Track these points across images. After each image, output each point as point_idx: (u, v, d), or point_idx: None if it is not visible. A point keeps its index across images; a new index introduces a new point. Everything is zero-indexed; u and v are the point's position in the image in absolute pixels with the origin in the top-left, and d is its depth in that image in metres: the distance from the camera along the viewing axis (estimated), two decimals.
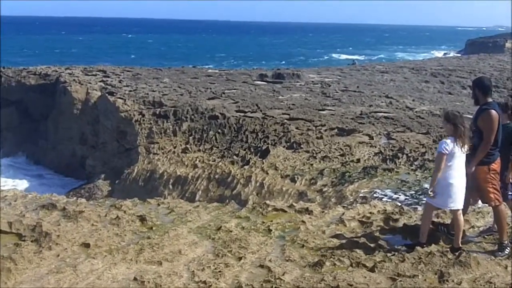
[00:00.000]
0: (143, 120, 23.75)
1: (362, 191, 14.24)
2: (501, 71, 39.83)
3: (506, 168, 7.40)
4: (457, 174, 6.79)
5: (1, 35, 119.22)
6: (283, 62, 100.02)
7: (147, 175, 20.89)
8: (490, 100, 7.12)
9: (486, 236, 7.67)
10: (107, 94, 27.61)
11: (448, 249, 6.92)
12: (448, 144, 6.73)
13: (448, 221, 7.80)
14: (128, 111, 25.01)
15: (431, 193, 6.82)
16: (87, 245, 7.17)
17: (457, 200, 6.84)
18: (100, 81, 31.58)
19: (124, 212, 8.90)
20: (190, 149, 20.86)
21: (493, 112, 6.93)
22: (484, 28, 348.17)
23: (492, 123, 6.93)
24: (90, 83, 30.76)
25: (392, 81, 36.77)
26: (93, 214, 8.53)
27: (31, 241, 7.17)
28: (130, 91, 28.47)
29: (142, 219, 8.59)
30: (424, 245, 7.10)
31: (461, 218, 7.04)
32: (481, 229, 7.99)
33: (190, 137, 21.74)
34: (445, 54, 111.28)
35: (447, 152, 6.70)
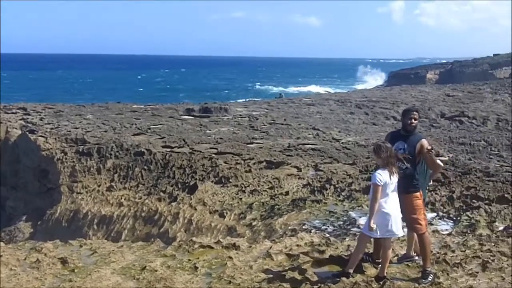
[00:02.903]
0: (66, 159, 22.99)
1: (291, 223, 14.23)
2: (422, 102, 41.33)
3: None
4: (392, 203, 6.95)
5: None
6: (208, 93, 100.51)
7: (71, 215, 20.16)
8: None
9: (409, 264, 7.77)
10: (27, 133, 26.70)
11: (373, 278, 6.95)
12: (382, 174, 6.89)
13: (371, 250, 7.86)
14: (50, 150, 24.19)
15: (372, 225, 6.88)
16: None
17: (394, 228, 6.97)
18: (20, 119, 30.57)
19: (45, 254, 8.59)
20: (115, 187, 20.31)
21: None
22: (410, 60, 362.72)
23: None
24: (9, 121, 29.71)
25: (318, 113, 37.45)
26: (11, 258, 8.18)
27: None
28: (52, 128, 27.65)
29: (63, 261, 8.32)
30: (351, 275, 7.10)
31: (390, 247, 7.15)
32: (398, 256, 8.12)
33: (115, 175, 21.19)
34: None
35: (381, 183, 6.86)
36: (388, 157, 6.95)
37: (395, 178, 6.97)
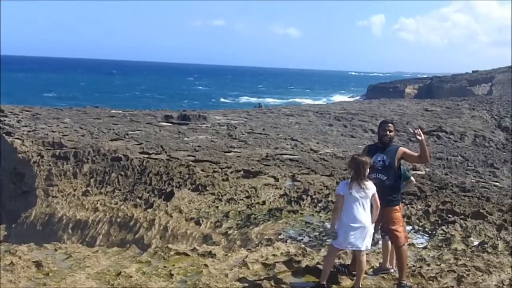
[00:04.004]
0: (42, 162, 22.73)
1: (267, 233, 14.21)
2: (401, 116, 41.72)
3: None
4: (354, 215, 6.90)
5: None
6: (186, 101, 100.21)
7: (46, 219, 19.90)
8: None
9: (385, 276, 7.80)
10: (4, 135, 26.37)
11: None
12: (344, 185, 6.90)
13: (348, 262, 7.87)
14: (26, 152, 23.91)
15: (333, 234, 6.89)
16: None
17: (358, 241, 6.92)
18: None
19: (19, 257, 8.50)
20: (91, 192, 20.11)
21: None
22: (389, 74, 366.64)
23: None
24: None
25: (297, 124, 37.58)
26: None
27: None
28: (29, 131, 27.34)
29: (38, 265, 8.24)
30: (325, 287, 7.10)
31: (364, 259, 7.13)
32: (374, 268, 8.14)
33: (91, 180, 20.99)
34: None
35: (341, 193, 6.87)
36: (359, 168, 6.90)
37: (363, 191, 6.86)
